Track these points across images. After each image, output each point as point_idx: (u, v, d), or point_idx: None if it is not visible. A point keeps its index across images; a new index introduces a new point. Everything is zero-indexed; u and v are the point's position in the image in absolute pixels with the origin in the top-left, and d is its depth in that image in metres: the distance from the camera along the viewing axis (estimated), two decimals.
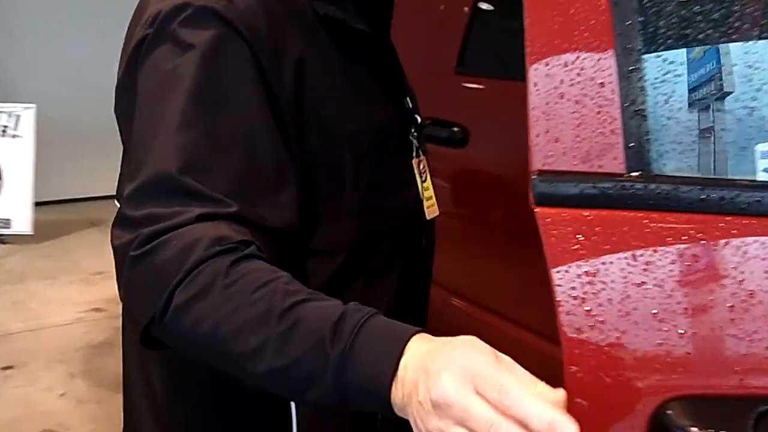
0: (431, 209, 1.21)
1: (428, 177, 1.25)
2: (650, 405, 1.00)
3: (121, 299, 0.90)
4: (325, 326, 0.77)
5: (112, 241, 0.86)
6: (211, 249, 0.80)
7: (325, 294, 0.86)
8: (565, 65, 1.11)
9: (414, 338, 0.78)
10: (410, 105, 1.22)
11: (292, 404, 1.01)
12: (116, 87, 1.05)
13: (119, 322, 1.19)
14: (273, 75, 0.95)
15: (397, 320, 1.02)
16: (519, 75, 1.11)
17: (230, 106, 0.90)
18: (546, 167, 1.09)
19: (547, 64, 1.11)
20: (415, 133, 1.20)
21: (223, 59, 0.92)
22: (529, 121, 1.10)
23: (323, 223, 0.99)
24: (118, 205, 0.98)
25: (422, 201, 1.19)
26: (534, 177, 1.08)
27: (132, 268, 0.82)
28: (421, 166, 1.22)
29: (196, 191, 0.84)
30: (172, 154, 0.86)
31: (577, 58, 1.11)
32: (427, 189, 1.21)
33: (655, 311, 1.02)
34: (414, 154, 1.19)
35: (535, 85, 1.10)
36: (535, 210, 1.08)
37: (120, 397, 1.23)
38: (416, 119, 1.21)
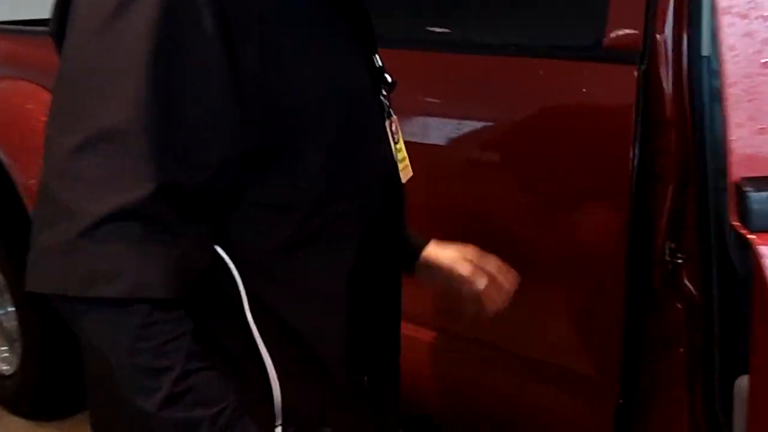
0: (405, 171, 1.14)
1: (400, 139, 1.15)
2: None
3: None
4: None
5: (46, 173, 0.87)
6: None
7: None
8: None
9: None
10: (380, 63, 1.13)
11: (272, 374, 0.97)
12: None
13: None
14: (239, 24, 0.89)
15: (369, 283, 1.06)
16: None
17: (185, 60, 0.87)
18: (752, 172, 0.75)
19: (744, 17, 0.75)
20: (385, 93, 1.12)
21: (184, 11, 0.86)
22: (724, 103, 0.74)
23: (287, 173, 0.96)
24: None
25: (395, 161, 1.11)
26: (745, 189, 0.73)
27: (69, 250, 0.83)
28: (393, 127, 1.13)
29: (137, 158, 0.85)
30: (122, 110, 0.85)
31: None
32: (399, 150, 1.14)
33: None
34: (385, 114, 1.11)
35: (732, 49, 0.74)
36: (749, 238, 0.73)
37: None
38: (386, 79, 1.13)
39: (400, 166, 1.13)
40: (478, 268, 1.19)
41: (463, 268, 1.19)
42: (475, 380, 1.57)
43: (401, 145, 1.14)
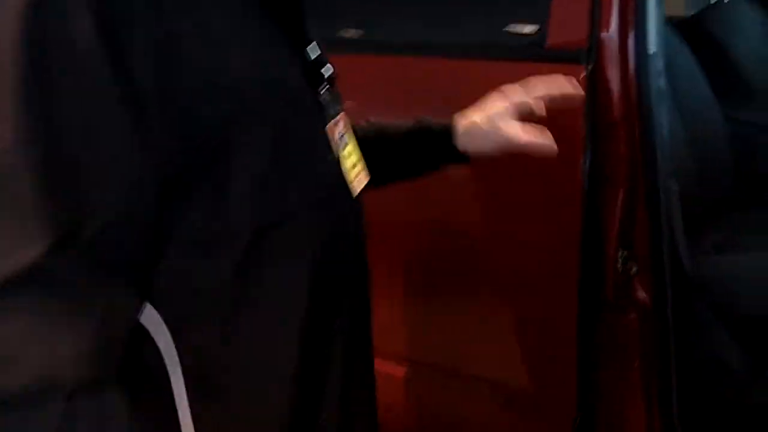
0: (359, 179, 1.03)
1: (351, 141, 1.03)
2: None
3: None
4: None
5: None
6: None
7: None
8: None
9: None
10: (313, 56, 1.00)
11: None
12: None
13: None
14: (126, 18, 0.79)
15: (331, 316, 0.97)
16: None
17: (58, 74, 0.76)
18: None
19: None
20: (326, 90, 0.99)
21: (49, 10, 0.76)
22: None
23: (212, 201, 0.86)
24: None
25: (342, 171, 1.00)
26: None
27: None
28: (338, 131, 0.99)
29: (19, 208, 0.75)
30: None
31: None
32: (350, 155, 1.02)
33: None
34: (329, 115, 0.99)
35: None
36: None
37: None
38: (323, 75, 1.00)
39: (352, 174, 1.02)
40: (524, 119, 1.10)
41: (512, 129, 1.09)
42: (425, 402, 1.54)
43: (352, 148, 1.04)
